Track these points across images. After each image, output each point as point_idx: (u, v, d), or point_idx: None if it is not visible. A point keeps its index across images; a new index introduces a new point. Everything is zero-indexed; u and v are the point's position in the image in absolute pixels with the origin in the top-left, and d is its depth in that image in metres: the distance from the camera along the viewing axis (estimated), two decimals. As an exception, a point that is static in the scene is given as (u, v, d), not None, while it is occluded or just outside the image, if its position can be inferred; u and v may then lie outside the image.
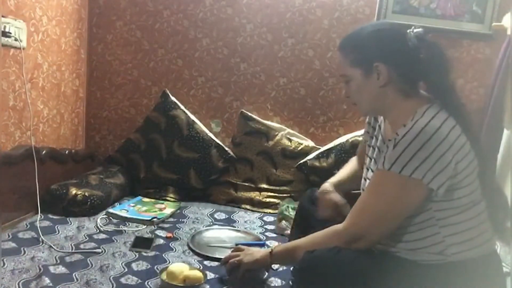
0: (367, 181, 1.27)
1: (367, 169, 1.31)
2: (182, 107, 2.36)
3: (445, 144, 1.05)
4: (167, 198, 2.20)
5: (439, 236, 1.10)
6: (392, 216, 1.12)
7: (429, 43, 1.16)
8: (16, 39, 1.77)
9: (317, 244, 1.19)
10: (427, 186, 1.06)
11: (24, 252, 1.49)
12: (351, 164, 1.56)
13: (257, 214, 2.14)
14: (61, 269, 1.39)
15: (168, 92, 2.38)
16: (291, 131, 2.36)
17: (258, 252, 1.36)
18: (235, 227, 1.91)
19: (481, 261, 1.12)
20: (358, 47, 1.20)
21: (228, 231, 1.84)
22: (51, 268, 1.38)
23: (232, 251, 1.44)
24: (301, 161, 2.25)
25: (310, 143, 2.34)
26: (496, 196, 1.20)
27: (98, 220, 1.82)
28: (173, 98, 2.37)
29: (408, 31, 1.17)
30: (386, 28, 1.22)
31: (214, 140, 2.30)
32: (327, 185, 1.48)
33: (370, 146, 1.34)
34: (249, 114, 2.36)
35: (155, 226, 1.84)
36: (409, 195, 1.09)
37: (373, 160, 1.29)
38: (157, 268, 1.45)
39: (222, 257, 1.53)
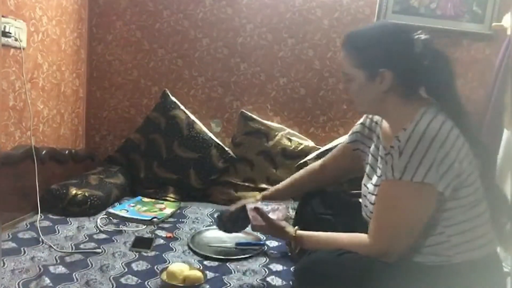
0: (368, 187, 1.26)
1: (366, 175, 1.32)
2: (182, 107, 2.36)
3: (447, 144, 1.05)
4: (167, 198, 2.19)
5: (444, 236, 1.11)
6: (413, 226, 1.10)
7: (435, 51, 1.15)
8: (16, 39, 1.77)
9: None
10: (436, 188, 1.06)
11: (24, 252, 1.49)
12: (298, 174, 1.64)
13: (257, 214, 2.14)
14: (61, 269, 1.39)
15: (168, 92, 2.38)
16: (291, 131, 2.36)
17: (281, 232, 1.32)
18: (235, 227, 1.91)
19: (482, 262, 1.12)
20: (364, 49, 1.16)
21: (228, 231, 1.84)
22: (51, 268, 1.38)
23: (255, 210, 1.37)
24: (301, 161, 2.25)
25: (310, 143, 2.34)
26: (498, 198, 1.20)
27: (98, 220, 1.82)
28: (173, 98, 2.37)
29: (416, 37, 1.14)
30: (394, 32, 1.18)
31: (214, 140, 2.30)
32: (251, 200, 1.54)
33: (368, 154, 1.34)
34: (249, 114, 2.36)
35: (155, 226, 1.84)
36: (425, 201, 1.08)
37: (370, 166, 1.30)
38: (157, 268, 1.45)
39: (222, 257, 1.54)
